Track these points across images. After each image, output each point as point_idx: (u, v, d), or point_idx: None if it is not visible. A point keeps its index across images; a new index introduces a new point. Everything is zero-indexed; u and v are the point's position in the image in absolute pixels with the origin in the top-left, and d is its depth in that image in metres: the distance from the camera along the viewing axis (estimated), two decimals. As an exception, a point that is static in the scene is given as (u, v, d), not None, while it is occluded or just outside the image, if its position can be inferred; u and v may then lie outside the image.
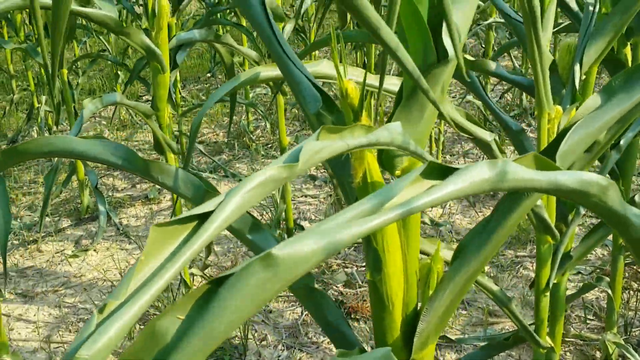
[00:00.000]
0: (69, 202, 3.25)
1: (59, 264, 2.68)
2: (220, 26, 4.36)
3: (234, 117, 4.21)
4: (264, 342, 2.07)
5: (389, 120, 0.75)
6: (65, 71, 2.92)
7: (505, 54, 4.58)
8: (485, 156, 1.23)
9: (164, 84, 1.77)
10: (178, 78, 3.60)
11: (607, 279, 1.68)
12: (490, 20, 3.01)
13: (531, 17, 0.91)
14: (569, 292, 1.67)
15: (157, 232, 0.44)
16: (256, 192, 0.48)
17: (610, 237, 1.71)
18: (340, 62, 0.71)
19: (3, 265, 1.08)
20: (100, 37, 4.26)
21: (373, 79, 1.17)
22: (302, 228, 2.45)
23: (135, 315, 0.41)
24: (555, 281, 1.21)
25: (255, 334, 2.11)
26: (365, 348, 0.79)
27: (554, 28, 2.25)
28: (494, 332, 2.01)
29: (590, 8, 1.24)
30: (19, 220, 3.07)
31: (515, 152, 1.32)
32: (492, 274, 2.35)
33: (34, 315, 2.32)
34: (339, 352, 0.63)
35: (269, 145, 3.82)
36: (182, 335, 0.41)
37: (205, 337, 0.41)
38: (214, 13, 3.05)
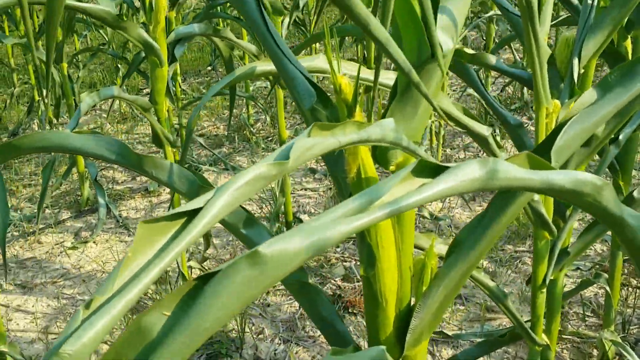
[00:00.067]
0: (69, 194, 3.26)
1: (58, 255, 2.68)
2: (220, 20, 4.35)
3: (235, 110, 4.21)
4: (260, 336, 2.08)
5: (383, 115, 0.75)
6: (65, 65, 2.92)
7: (507, 46, 4.57)
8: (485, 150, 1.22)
9: (162, 77, 1.76)
10: (178, 71, 3.59)
11: (606, 275, 1.67)
12: (491, 12, 3.00)
13: (528, 10, 0.91)
14: (567, 288, 1.67)
15: (144, 228, 0.44)
16: (246, 189, 0.48)
17: (609, 232, 1.70)
18: (335, 56, 0.71)
19: (2, 256, 1.09)
20: (100, 31, 4.25)
21: (369, 74, 1.17)
22: (301, 221, 2.45)
23: (122, 312, 0.41)
24: (552, 277, 1.21)
25: (253, 327, 2.11)
26: (362, 343, 0.80)
27: (554, 21, 2.24)
28: (491, 328, 2.01)
29: (589, 1, 1.23)
30: (19, 212, 3.08)
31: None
32: (490, 269, 2.35)
33: (33, 306, 2.33)
34: (333, 349, 0.63)
35: (269, 139, 3.82)
36: (168, 331, 0.41)
37: (191, 334, 0.41)
38: (213, 6, 3.04)
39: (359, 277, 2.35)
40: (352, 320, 2.09)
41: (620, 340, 1.63)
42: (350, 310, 2.15)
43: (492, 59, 1.37)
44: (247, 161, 3.56)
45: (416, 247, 1.06)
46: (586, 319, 2.03)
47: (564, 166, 1.13)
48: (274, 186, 2.61)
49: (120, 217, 2.97)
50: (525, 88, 3.88)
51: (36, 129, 4.14)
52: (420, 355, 0.78)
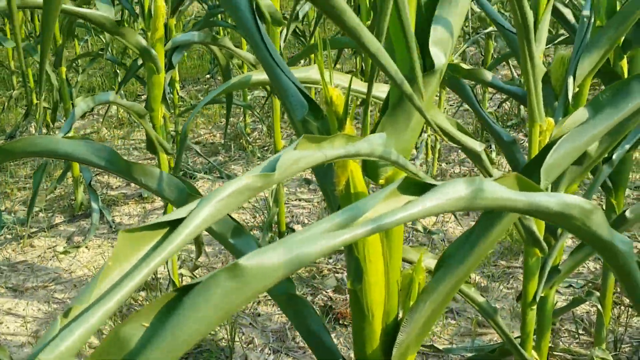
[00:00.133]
0: (64, 199, 3.25)
1: (50, 259, 2.67)
2: (220, 28, 4.36)
3: (232, 119, 4.21)
4: (250, 345, 2.07)
5: (374, 129, 0.75)
6: (64, 69, 2.92)
7: (505, 62, 4.58)
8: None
9: (158, 84, 1.77)
10: (177, 78, 3.59)
11: (598, 293, 1.67)
12: (490, 29, 3.01)
13: (524, 29, 0.91)
14: (560, 305, 1.66)
15: (125, 237, 0.43)
16: (230, 201, 0.47)
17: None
18: (327, 68, 0.71)
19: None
20: (100, 36, 4.25)
21: (364, 86, 1.17)
22: (294, 231, 2.44)
23: (100, 321, 0.41)
24: (542, 294, 1.21)
25: (243, 337, 2.10)
26: (352, 355, 0.79)
27: (555, 39, 2.24)
28: (482, 343, 2.00)
29: (586, 20, 1.23)
30: (12, 214, 3.07)
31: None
32: (482, 284, 2.34)
33: (23, 310, 2.32)
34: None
35: (266, 148, 3.82)
36: (146, 342, 0.41)
37: (169, 346, 0.40)
38: (213, 15, 3.05)
39: (351, 289, 2.34)
40: (343, 332, 2.08)
41: (611, 359, 1.62)
42: (341, 322, 2.14)
43: (487, 75, 1.37)
44: (242, 170, 3.56)
45: (406, 261, 1.06)
46: (578, 336, 2.03)
47: (556, 183, 1.13)
48: (268, 196, 2.60)
49: (114, 222, 2.96)
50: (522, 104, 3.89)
51: (33, 131, 4.14)
52: (406, 371, 0.78)
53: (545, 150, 0.78)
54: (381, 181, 0.76)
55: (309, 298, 2.30)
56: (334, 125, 0.71)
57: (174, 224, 0.44)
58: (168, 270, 2.16)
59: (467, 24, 3.47)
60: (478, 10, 3.29)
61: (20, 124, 4.17)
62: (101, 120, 4.39)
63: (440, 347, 1.69)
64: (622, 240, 0.64)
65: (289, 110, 0.80)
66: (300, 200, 3.11)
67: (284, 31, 2.12)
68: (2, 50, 5.78)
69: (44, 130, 3.75)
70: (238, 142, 3.89)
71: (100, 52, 3.65)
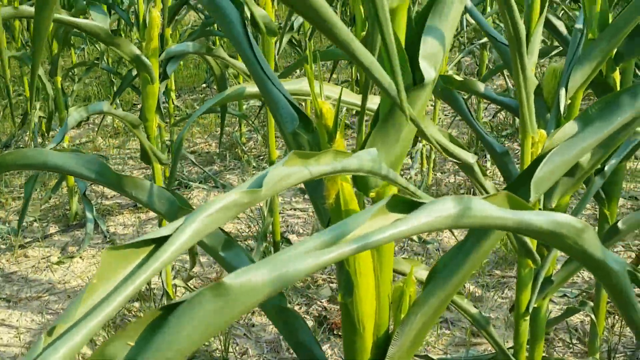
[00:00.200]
0: (58, 208, 3.24)
1: (44, 270, 2.66)
2: (217, 38, 4.36)
3: (227, 128, 4.21)
4: (244, 356, 2.06)
5: (364, 142, 0.75)
6: (59, 78, 2.92)
7: (500, 73, 4.59)
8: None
9: (152, 94, 1.77)
10: (173, 88, 3.60)
11: (591, 303, 1.67)
12: (484, 39, 3.02)
13: (517, 41, 0.91)
14: (554, 315, 1.66)
15: (110, 255, 0.43)
16: (217, 217, 0.47)
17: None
18: (318, 80, 0.71)
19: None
20: (96, 45, 4.26)
21: (358, 99, 1.17)
22: (288, 241, 2.44)
23: (85, 339, 0.41)
24: (535, 305, 1.21)
25: (237, 347, 2.09)
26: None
27: (549, 52, 2.25)
28: (476, 353, 2.00)
29: (578, 33, 1.24)
30: (7, 224, 3.06)
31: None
32: (477, 294, 2.34)
33: (17, 320, 2.31)
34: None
35: (261, 157, 3.82)
36: (131, 361, 0.41)
37: (153, 365, 0.40)
38: (210, 24, 3.06)
39: (345, 299, 2.34)
40: (337, 342, 2.08)
41: (604, 369, 1.62)
42: (335, 332, 2.13)
43: (480, 87, 1.37)
44: (237, 179, 3.55)
45: (399, 272, 1.06)
46: (572, 346, 2.02)
47: (549, 195, 1.13)
48: (263, 205, 2.60)
49: (108, 232, 2.95)
50: (516, 114, 3.89)
51: (27, 140, 4.14)
52: (396, 384, 0.78)
53: (535, 164, 0.78)
54: (372, 194, 0.76)
55: (304, 308, 2.30)
56: (324, 138, 0.71)
57: (160, 241, 0.44)
58: (162, 281, 2.16)
59: (462, 35, 3.48)
60: (473, 21, 3.30)
61: (16, 133, 4.16)
62: (96, 129, 4.39)
63: (435, 357, 1.69)
64: (615, 259, 0.64)
65: (279, 122, 0.80)
66: (295, 209, 3.11)
67: (278, 42, 2.12)
68: (-2, 59, 5.77)
69: (39, 140, 3.74)
70: (233, 151, 3.89)
71: (95, 62, 3.65)
